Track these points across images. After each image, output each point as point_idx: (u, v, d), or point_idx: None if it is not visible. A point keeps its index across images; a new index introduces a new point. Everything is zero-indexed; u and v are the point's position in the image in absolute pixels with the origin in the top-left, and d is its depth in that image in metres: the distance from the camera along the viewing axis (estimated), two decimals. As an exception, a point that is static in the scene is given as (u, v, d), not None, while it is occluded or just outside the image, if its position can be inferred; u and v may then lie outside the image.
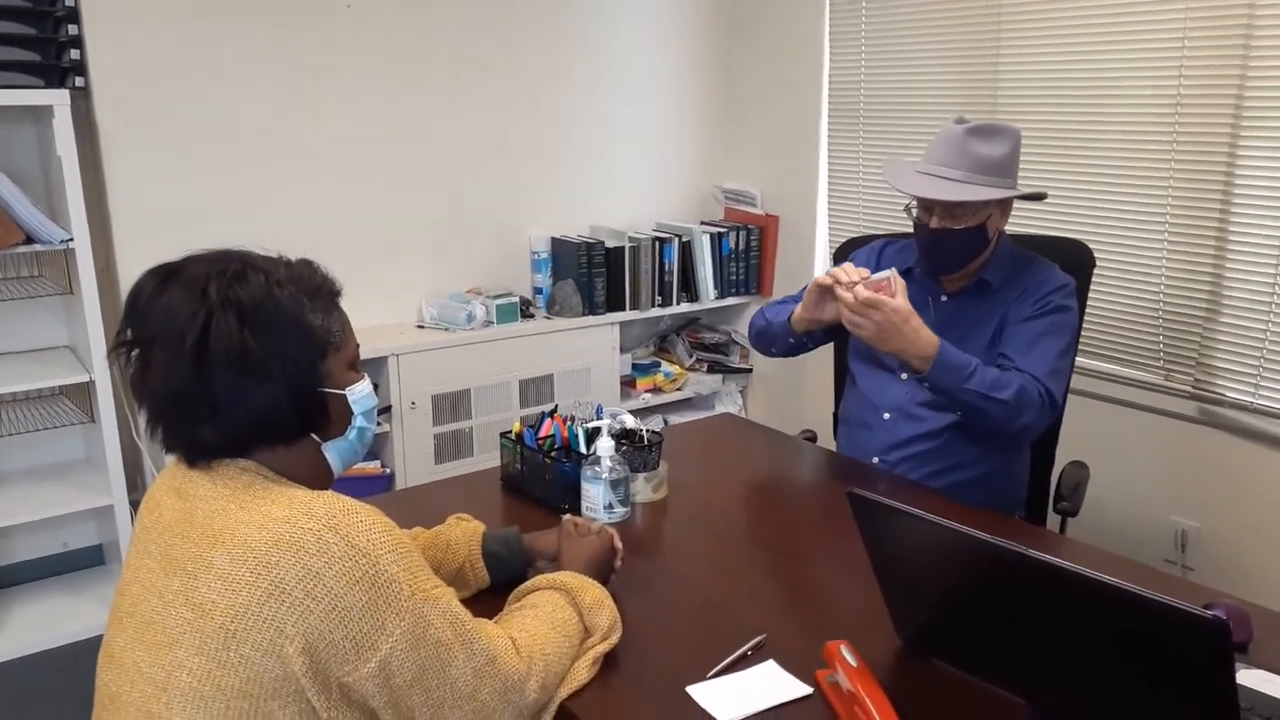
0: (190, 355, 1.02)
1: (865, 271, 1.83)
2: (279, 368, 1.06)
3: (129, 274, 2.79)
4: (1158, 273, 2.66)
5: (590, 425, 1.80)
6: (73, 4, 2.65)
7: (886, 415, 2.01)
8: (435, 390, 3.16)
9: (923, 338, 1.79)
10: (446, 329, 3.24)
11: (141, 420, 1.10)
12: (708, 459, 2.08)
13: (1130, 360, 2.76)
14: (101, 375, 2.64)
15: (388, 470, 3.13)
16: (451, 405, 3.21)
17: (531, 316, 3.45)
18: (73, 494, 2.76)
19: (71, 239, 2.57)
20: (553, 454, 1.79)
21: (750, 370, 3.97)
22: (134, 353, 1.08)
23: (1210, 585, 1.57)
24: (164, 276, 1.07)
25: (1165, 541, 2.72)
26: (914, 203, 1.93)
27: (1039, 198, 1.98)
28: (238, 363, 1.03)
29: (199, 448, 1.07)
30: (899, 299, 1.77)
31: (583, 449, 1.78)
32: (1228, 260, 2.51)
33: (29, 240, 2.56)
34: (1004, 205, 1.93)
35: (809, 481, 2.05)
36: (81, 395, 2.80)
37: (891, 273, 1.81)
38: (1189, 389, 2.64)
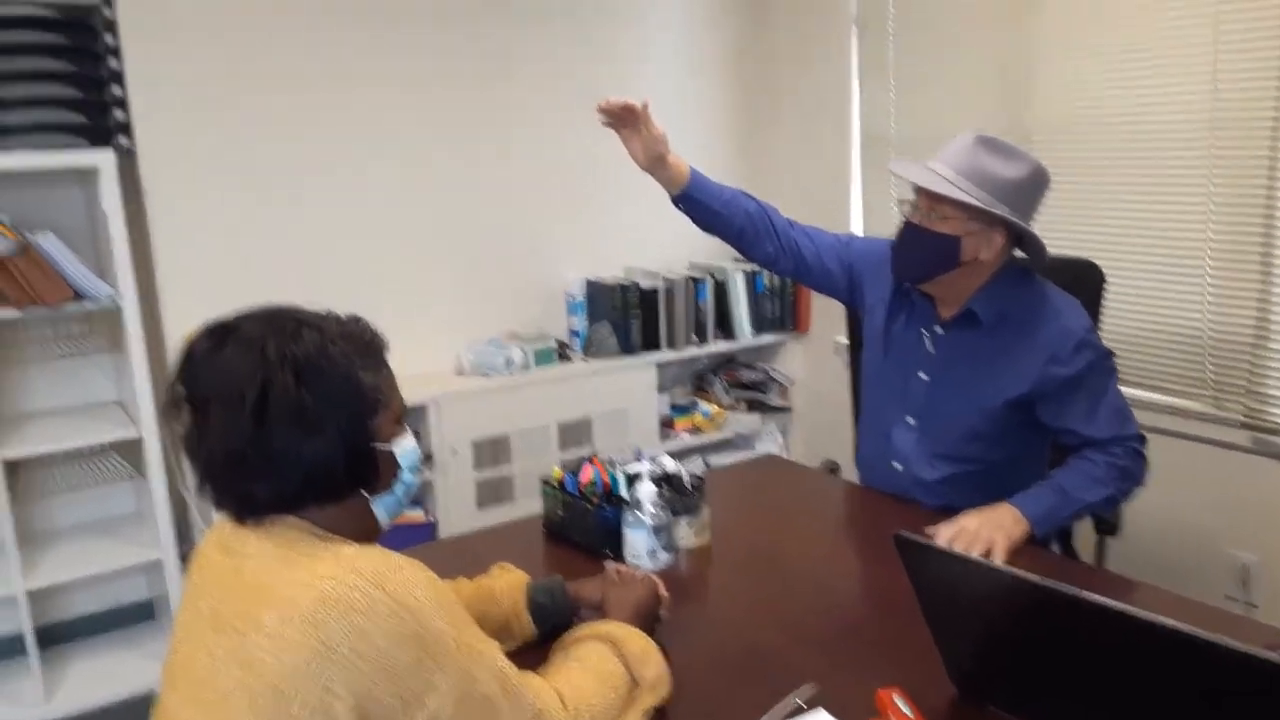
0: (250, 413, 1.03)
1: (944, 534, 1.71)
2: (333, 425, 1.07)
3: (175, 330, 2.86)
4: (1200, 297, 2.61)
5: (630, 470, 1.79)
6: (117, 67, 2.74)
7: (897, 465, 1.99)
8: (475, 436, 3.17)
9: (1008, 520, 1.71)
10: (485, 375, 3.26)
11: (192, 477, 1.11)
12: (751, 502, 2.06)
13: (1176, 389, 2.71)
14: (150, 431, 2.69)
15: (430, 518, 3.14)
16: (492, 451, 3.22)
17: (569, 359, 3.46)
18: (122, 549, 2.79)
19: (119, 296, 2.63)
20: (594, 500, 1.78)
21: (790, 409, 3.94)
22: (188, 410, 1.09)
23: (1276, 624, 1.52)
24: (220, 335, 1.09)
25: (1226, 577, 2.64)
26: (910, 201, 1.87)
27: (1035, 248, 1.83)
28: (295, 420, 1.04)
29: (252, 505, 1.08)
30: (967, 522, 1.70)
31: (624, 494, 1.77)
32: (1275, 283, 2.46)
33: (78, 298, 2.62)
34: (993, 233, 1.78)
35: (855, 522, 2.02)
36: (130, 451, 2.84)
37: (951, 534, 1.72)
38: (1240, 417, 2.58)
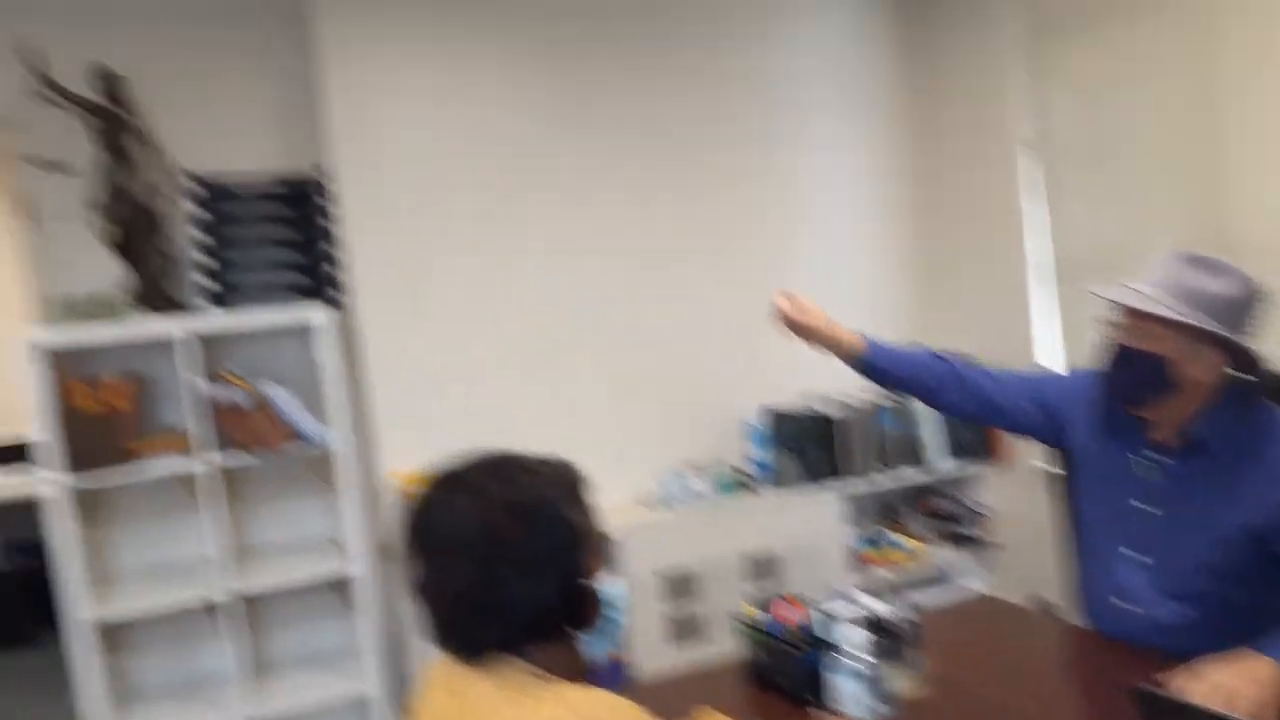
0: (477, 560, 1.08)
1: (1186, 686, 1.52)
2: (551, 567, 1.11)
3: (387, 472, 3.01)
4: None
5: (831, 609, 1.72)
6: (331, 229, 3.02)
7: (1122, 603, 1.82)
8: (664, 570, 3.15)
9: (1260, 670, 1.51)
10: (669, 507, 3.26)
11: (421, 620, 1.15)
12: (966, 646, 1.93)
13: None
14: (362, 568, 2.82)
15: (623, 657, 3.10)
16: (680, 585, 3.18)
17: (750, 489, 3.42)
18: (334, 683, 2.90)
19: (335, 440, 2.82)
20: (795, 642, 1.72)
21: (991, 542, 3.72)
22: (418, 557, 1.14)
23: None
24: (447, 484, 1.15)
25: None
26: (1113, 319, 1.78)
27: (1257, 367, 1.68)
28: (518, 563, 1.09)
29: (475, 646, 1.12)
30: (1211, 673, 1.51)
31: (826, 637, 1.70)
32: None
33: (297, 440, 2.83)
34: (1207, 352, 1.67)
35: (1081, 669, 1.85)
36: (344, 587, 2.98)
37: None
38: None
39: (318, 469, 3.06)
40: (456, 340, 3.17)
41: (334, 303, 2.98)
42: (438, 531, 1.12)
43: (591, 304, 3.36)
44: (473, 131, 3.18)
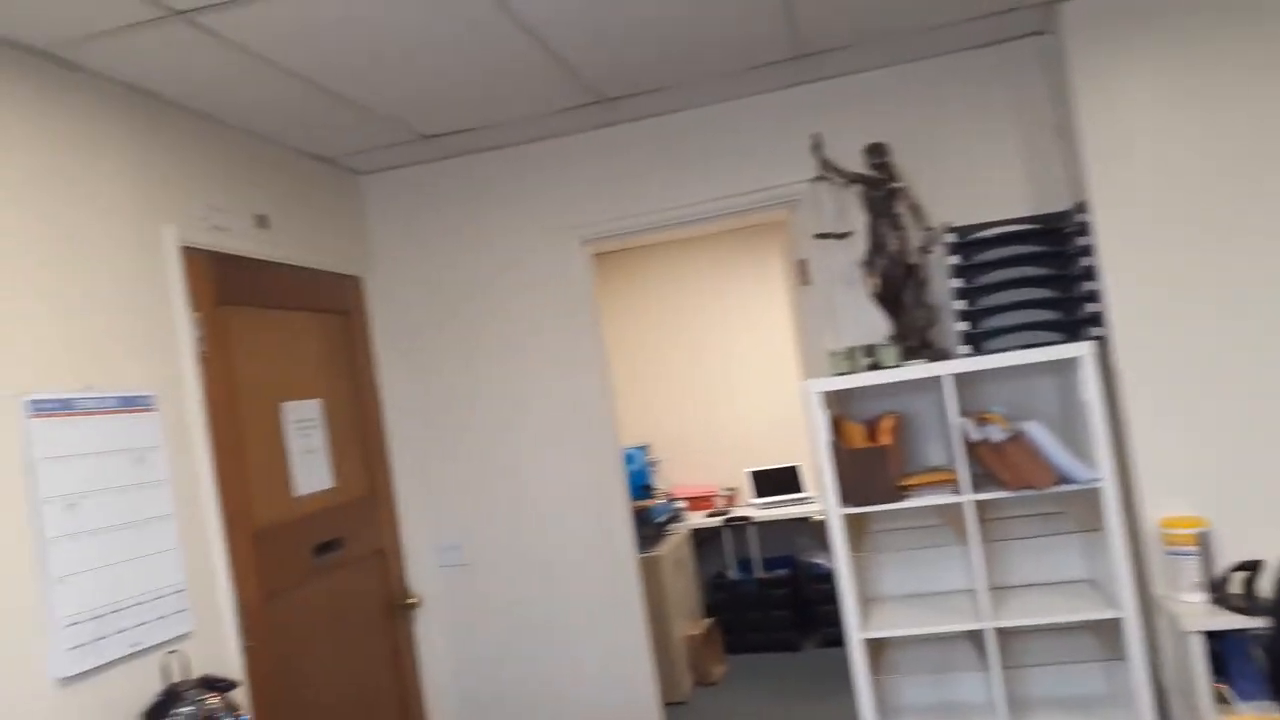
0: None
1: None
2: None
3: (1151, 514, 2.84)
4: None
5: None
6: (1089, 263, 2.95)
7: None
8: None
9: None
10: None
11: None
12: None
13: None
14: (1130, 613, 2.68)
15: None
16: None
17: None
18: (1100, 729, 2.81)
19: (1098, 479, 2.74)
20: None
21: None
22: None
23: None
24: None
25: None
26: None
27: None
28: None
29: None
30: None
31: None
32: None
33: (1057, 478, 2.80)
34: None
35: None
36: (1104, 631, 2.87)
37: None
38: None
39: (1075, 508, 3.01)
40: (1227, 376, 2.85)
41: (1090, 339, 2.91)
42: None
43: None
44: (1242, 145, 2.85)
